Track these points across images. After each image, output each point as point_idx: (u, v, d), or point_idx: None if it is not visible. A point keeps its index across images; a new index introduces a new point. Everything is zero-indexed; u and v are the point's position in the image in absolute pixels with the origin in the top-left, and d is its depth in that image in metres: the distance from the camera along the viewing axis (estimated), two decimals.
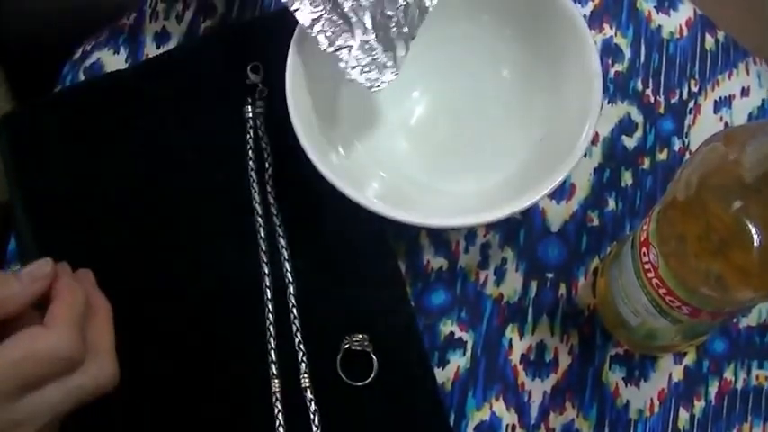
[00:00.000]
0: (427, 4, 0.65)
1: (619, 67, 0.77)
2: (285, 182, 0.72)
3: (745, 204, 0.47)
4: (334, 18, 0.65)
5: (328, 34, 0.64)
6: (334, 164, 0.65)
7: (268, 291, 0.69)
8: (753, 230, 0.47)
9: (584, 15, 0.78)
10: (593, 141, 0.74)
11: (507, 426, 0.67)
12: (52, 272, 0.57)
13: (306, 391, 0.66)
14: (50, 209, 0.72)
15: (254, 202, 0.71)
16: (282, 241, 0.70)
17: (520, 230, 0.72)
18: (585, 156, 0.70)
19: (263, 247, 0.70)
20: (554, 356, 0.69)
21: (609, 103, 0.76)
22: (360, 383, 0.67)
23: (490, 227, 0.72)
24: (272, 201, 0.72)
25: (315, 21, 0.64)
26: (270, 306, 0.69)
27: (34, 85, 0.77)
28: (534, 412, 0.68)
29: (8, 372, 0.51)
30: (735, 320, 0.69)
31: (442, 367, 0.69)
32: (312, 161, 0.62)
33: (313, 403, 0.66)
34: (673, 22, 0.78)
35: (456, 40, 0.73)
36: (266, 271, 0.70)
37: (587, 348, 0.69)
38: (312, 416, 0.66)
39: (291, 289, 0.69)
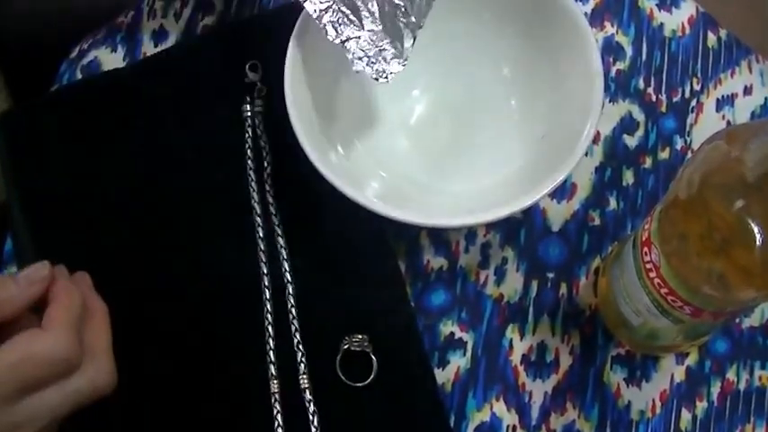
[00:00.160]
0: None
1: (620, 66, 0.77)
2: (284, 181, 0.72)
3: (748, 203, 0.47)
4: (343, 8, 0.64)
5: (336, 25, 0.64)
6: (333, 163, 0.65)
7: (267, 291, 0.69)
8: (755, 229, 0.47)
9: (586, 13, 0.77)
10: (595, 140, 0.74)
11: (508, 427, 0.67)
12: (49, 275, 0.57)
13: (305, 391, 0.66)
14: (48, 209, 0.71)
15: (253, 202, 0.71)
16: (281, 241, 0.70)
17: (520, 230, 0.72)
18: (587, 155, 0.70)
19: (262, 247, 0.70)
20: (555, 357, 0.68)
21: (610, 101, 0.75)
22: (359, 384, 0.66)
23: (490, 226, 0.72)
24: (270, 200, 0.71)
25: (323, 11, 0.64)
26: (269, 306, 0.68)
27: (31, 83, 0.77)
28: (535, 413, 0.67)
29: (6, 375, 0.51)
30: (737, 321, 0.69)
31: (442, 368, 0.68)
32: (311, 160, 0.62)
33: (312, 404, 0.65)
34: (675, 20, 0.78)
35: (456, 38, 0.72)
36: (265, 271, 0.69)
37: (588, 349, 0.69)
38: (311, 417, 0.65)
39: (290, 289, 0.69)
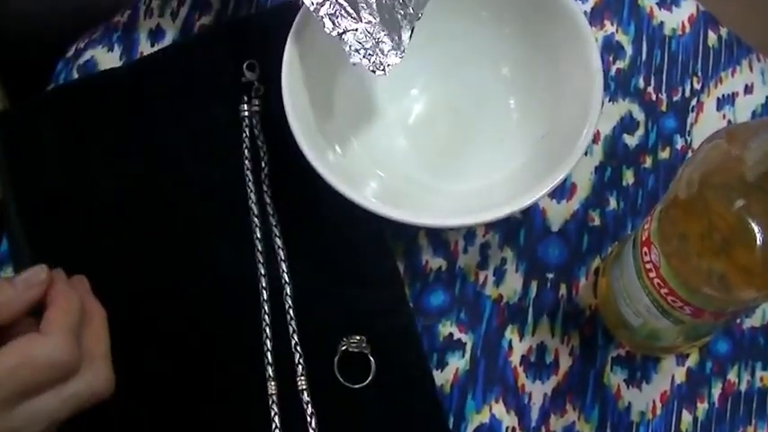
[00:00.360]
0: None
1: (620, 65, 0.76)
2: (282, 181, 0.72)
3: (748, 202, 0.47)
4: (340, 1, 0.64)
5: (333, 17, 0.64)
6: (331, 163, 0.64)
7: (264, 292, 0.68)
8: (755, 229, 0.46)
9: (585, 12, 0.77)
10: (595, 140, 0.74)
11: (507, 428, 0.66)
12: (47, 278, 0.57)
13: (303, 393, 0.65)
14: (44, 209, 0.71)
15: (251, 202, 0.71)
16: (279, 241, 0.70)
17: (520, 230, 0.71)
18: (586, 154, 0.69)
19: (260, 248, 0.70)
20: (554, 358, 0.68)
21: (610, 100, 0.75)
22: (357, 386, 0.66)
23: (490, 226, 0.72)
24: (268, 200, 0.71)
25: (321, 4, 0.64)
26: (266, 307, 0.68)
27: (27, 82, 0.77)
28: (535, 415, 0.67)
29: (4, 379, 0.51)
30: (738, 321, 0.68)
31: (441, 369, 0.68)
32: (309, 160, 0.62)
33: (310, 406, 0.65)
34: (675, 19, 0.78)
35: (455, 37, 0.72)
36: (263, 272, 0.69)
37: (588, 349, 0.68)
38: (309, 418, 0.65)
39: (288, 290, 0.68)
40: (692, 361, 0.68)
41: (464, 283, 0.70)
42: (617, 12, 0.78)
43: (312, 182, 0.62)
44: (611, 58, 0.76)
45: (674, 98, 0.75)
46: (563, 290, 0.70)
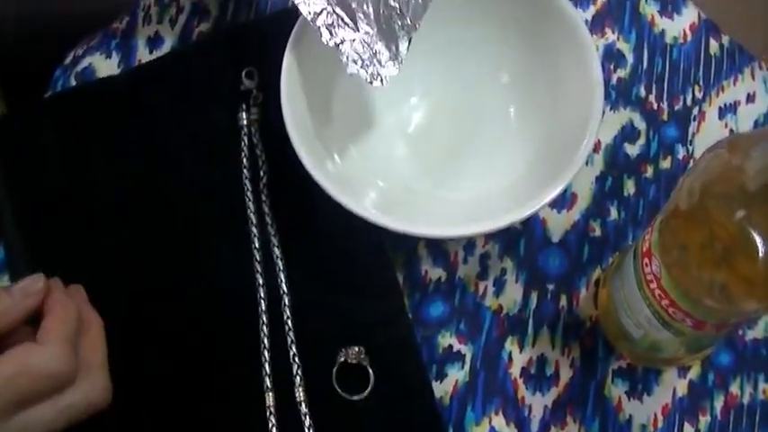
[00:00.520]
0: None
1: (621, 73, 0.76)
2: (280, 190, 0.71)
3: (750, 213, 0.46)
4: (337, 11, 0.64)
5: (331, 27, 0.63)
6: (330, 172, 0.64)
7: (263, 302, 0.68)
8: (757, 239, 0.46)
9: (586, 20, 0.77)
10: (595, 149, 0.73)
11: None
12: (44, 287, 0.57)
13: (301, 404, 0.65)
14: (41, 215, 0.71)
15: (249, 211, 0.70)
16: (277, 251, 0.69)
17: (520, 240, 0.71)
18: (587, 164, 0.69)
19: (258, 258, 0.69)
20: (555, 370, 0.67)
21: (611, 109, 0.75)
22: (356, 397, 0.65)
23: (489, 237, 0.71)
24: (266, 210, 0.71)
25: (317, 14, 0.63)
26: (264, 318, 0.68)
27: (25, 89, 0.77)
28: (535, 427, 0.66)
29: (1, 388, 0.51)
30: (740, 333, 0.68)
31: (441, 381, 0.67)
32: (307, 169, 0.61)
33: (308, 417, 0.65)
34: (676, 27, 0.77)
35: (455, 44, 0.72)
36: (261, 281, 0.69)
37: (589, 361, 0.68)
38: (307, 430, 0.64)
39: (286, 300, 0.68)
40: (693, 373, 0.67)
41: (464, 294, 0.70)
42: (618, 19, 0.78)
43: (311, 191, 0.61)
44: (612, 67, 0.76)
45: (676, 107, 0.75)
46: (563, 301, 0.69)
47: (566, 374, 0.67)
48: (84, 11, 0.79)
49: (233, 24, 0.78)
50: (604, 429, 0.66)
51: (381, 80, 0.63)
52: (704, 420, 0.66)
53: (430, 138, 0.72)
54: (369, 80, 0.63)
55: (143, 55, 0.77)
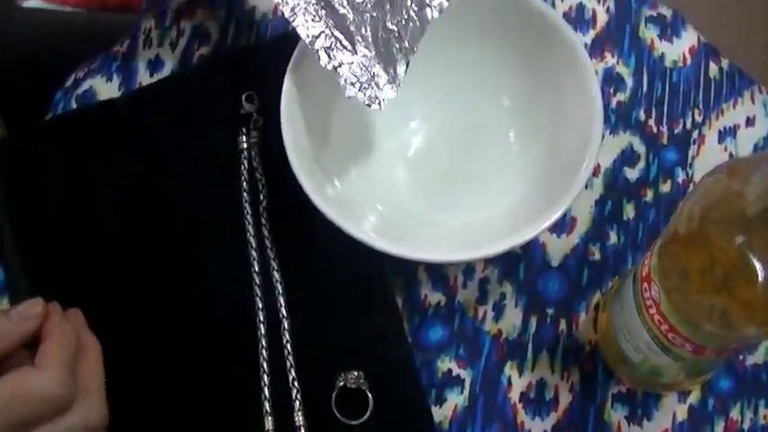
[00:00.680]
0: (429, 17, 0.64)
1: (621, 97, 0.76)
2: (280, 214, 0.71)
3: (749, 238, 0.46)
4: (336, 34, 0.64)
5: (329, 50, 0.63)
6: (329, 196, 0.64)
7: (262, 326, 0.68)
8: (757, 265, 0.46)
9: (586, 44, 0.77)
10: (595, 173, 0.73)
11: None
12: (43, 311, 0.57)
13: (299, 429, 0.65)
14: (41, 238, 0.71)
15: (249, 235, 0.70)
16: (277, 275, 0.69)
17: (519, 265, 0.71)
18: (586, 187, 0.69)
19: (258, 282, 0.69)
20: (554, 394, 0.67)
21: (610, 133, 0.74)
22: (355, 422, 0.65)
23: (489, 261, 0.71)
24: (266, 233, 0.71)
25: (316, 37, 0.64)
26: (264, 342, 0.67)
27: (25, 112, 0.77)
28: None
29: None
30: (741, 358, 0.67)
31: (440, 405, 0.67)
32: (307, 193, 0.61)
33: None
34: (676, 50, 0.77)
35: (455, 68, 0.72)
36: (260, 305, 0.68)
37: (589, 386, 0.67)
38: None
39: (286, 324, 0.68)
40: (693, 398, 0.67)
41: (463, 319, 0.69)
42: (617, 43, 0.78)
43: (310, 215, 0.61)
44: (611, 90, 0.76)
45: (676, 130, 0.75)
46: (563, 325, 0.69)
47: (565, 399, 0.67)
48: (84, 34, 0.80)
49: (233, 48, 0.78)
50: None
51: (379, 103, 0.63)
52: None
53: (429, 162, 0.72)
54: (367, 103, 0.63)
55: (144, 78, 0.77)
